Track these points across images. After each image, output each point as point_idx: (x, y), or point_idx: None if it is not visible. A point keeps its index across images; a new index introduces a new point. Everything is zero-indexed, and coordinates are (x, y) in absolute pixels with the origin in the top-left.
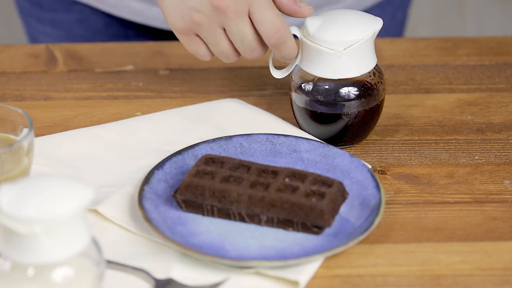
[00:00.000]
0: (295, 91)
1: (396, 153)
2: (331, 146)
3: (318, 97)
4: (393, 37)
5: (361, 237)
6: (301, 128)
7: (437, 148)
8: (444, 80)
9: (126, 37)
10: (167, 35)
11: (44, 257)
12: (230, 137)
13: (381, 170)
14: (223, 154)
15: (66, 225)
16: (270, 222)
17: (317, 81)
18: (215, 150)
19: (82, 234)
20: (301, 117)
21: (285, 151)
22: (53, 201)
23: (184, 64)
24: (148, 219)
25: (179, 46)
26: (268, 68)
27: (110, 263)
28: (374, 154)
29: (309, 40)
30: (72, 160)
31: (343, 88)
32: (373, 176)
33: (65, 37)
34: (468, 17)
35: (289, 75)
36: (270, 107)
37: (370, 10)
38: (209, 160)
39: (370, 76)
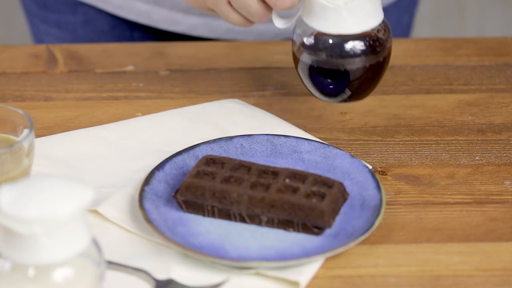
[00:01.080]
0: (298, 46)
1: (397, 153)
2: (331, 147)
3: (320, 52)
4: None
5: (361, 238)
6: (304, 84)
7: (438, 148)
8: (444, 81)
9: (132, 39)
10: (173, 37)
11: (44, 258)
12: (231, 137)
13: (381, 171)
14: (224, 154)
15: (66, 225)
16: (271, 223)
17: (318, 35)
18: (216, 151)
19: (82, 234)
20: (303, 72)
21: (286, 152)
22: (53, 201)
23: (185, 65)
24: (148, 219)
25: (180, 47)
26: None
27: (110, 264)
28: (375, 155)
29: None
30: (73, 160)
31: (346, 43)
32: (373, 177)
33: (70, 39)
34: (468, 17)
35: (292, 29)
36: (271, 108)
37: None
38: (210, 160)
39: (374, 31)
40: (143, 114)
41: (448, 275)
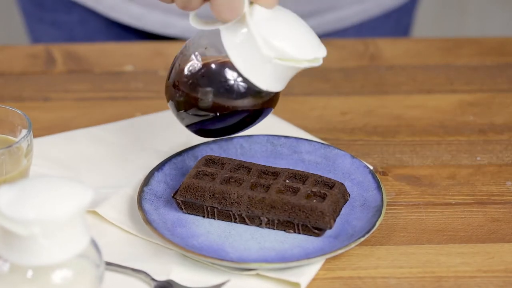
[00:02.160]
0: (191, 56)
1: (398, 154)
2: (332, 147)
3: (217, 81)
4: (394, 37)
5: (362, 239)
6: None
7: (439, 149)
8: (445, 81)
9: (127, 40)
10: (167, 40)
11: (43, 259)
12: (231, 138)
13: (382, 171)
14: (224, 155)
15: (65, 226)
16: (271, 224)
17: (225, 63)
18: (215, 151)
19: (81, 235)
20: (185, 84)
21: (286, 152)
22: (52, 202)
23: None
24: (147, 220)
25: (179, 46)
26: None
27: (110, 265)
28: (376, 155)
29: None
30: (71, 161)
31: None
32: (374, 177)
33: (66, 38)
34: (469, 17)
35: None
36: None
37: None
38: (209, 161)
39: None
40: (142, 114)
41: (449, 276)
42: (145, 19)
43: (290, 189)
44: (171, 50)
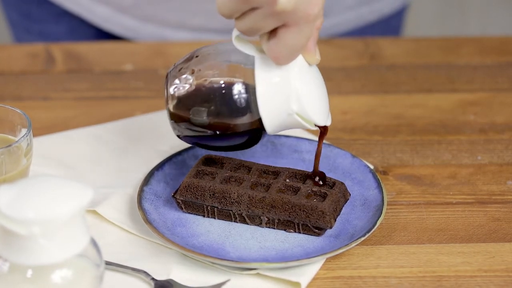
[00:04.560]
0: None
1: (398, 153)
2: (332, 147)
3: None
4: (394, 37)
5: (362, 238)
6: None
7: (440, 148)
8: (446, 80)
9: None
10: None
11: (43, 259)
12: None
13: (383, 171)
14: (224, 154)
15: (65, 226)
16: (271, 223)
17: (248, 85)
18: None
19: (81, 235)
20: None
21: (286, 152)
22: (52, 202)
23: None
24: (147, 220)
25: (179, 46)
26: None
27: (110, 265)
28: (376, 155)
29: None
30: (71, 160)
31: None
32: (375, 177)
33: None
34: (470, 16)
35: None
36: None
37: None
38: (209, 160)
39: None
40: (142, 113)
41: (450, 275)
42: (138, 31)
43: (291, 189)
44: (171, 49)
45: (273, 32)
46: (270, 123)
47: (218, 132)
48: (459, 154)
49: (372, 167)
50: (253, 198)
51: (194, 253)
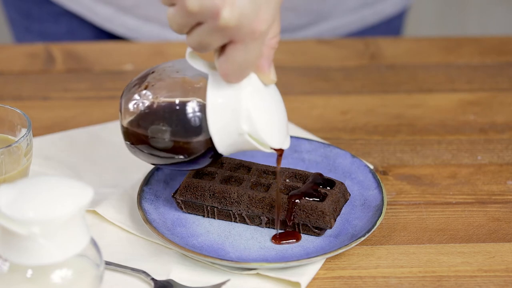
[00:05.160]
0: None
1: (398, 153)
2: (332, 147)
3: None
4: (394, 37)
5: (362, 238)
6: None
7: (440, 148)
8: (446, 80)
9: None
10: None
11: (43, 259)
12: None
13: (383, 171)
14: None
15: (65, 226)
16: (271, 223)
17: (200, 104)
18: None
19: (81, 235)
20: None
21: (286, 152)
22: (52, 202)
23: None
24: (147, 220)
25: (178, 46)
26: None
27: (110, 265)
28: (376, 155)
29: None
30: (71, 160)
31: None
32: (375, 177)
33: None
34: (470, 16)
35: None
36: None
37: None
38: None
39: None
40: None
41: (450, 276)
42: (140, 31)
43: (290, 189)
44: (171, 49)
45: (223, 49)
46: (221, 143)
47: (169, 151)
48: (459, 154)
49: (372, 167)
50: (253, 198)
51: (194, 253)
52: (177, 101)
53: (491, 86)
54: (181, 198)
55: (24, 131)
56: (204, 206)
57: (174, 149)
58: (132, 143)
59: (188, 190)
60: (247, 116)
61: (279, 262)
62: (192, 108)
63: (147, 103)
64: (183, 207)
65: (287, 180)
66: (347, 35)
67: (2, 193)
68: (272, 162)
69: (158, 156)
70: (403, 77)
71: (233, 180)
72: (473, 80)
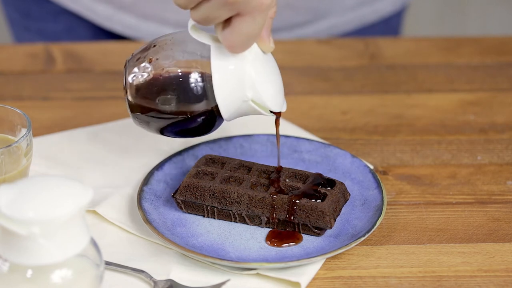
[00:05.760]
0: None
1: (398, 153)
2: (332, 147)
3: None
4: (394, 37)
5: (362, 238)
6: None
7: (440, 148)
8: (446, 80)
9: None
10: None
11: (43, 259)
12: (231, 137)
13: (383, 171)
14: (223, 154)
15: (65, 226)
16: (271, 223)
17: (205, 74)
18: (215, 151)
19: (81, 235)
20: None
21: (286, 152)
22: (52, 202)
23: None
24: (147, 220)
25: None
26: None
27: (110, 265)
28: (376, 155)
29: None
30: (71, 160)
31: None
32: (374, 177)
33: None
34: (470, 16)
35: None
36: None
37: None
38: (209, 160)
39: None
40: None
41: (450, 276)
42: (139, 29)
43: (290, 189)
44: None
45: (227, 22)
46: (226, 110)
47: (176, 119)
48: (459, 154)
49: (372, 167)
50: (253, 198)
51: (194, 253)
52: (181, 72)
53: (491, 86)
54: (181, 198)
55: (24, 131)
56: (204, 206)
57: (181, 119)
58: (139, 116)
59: (188, 190)
60: (251, 83)
61: (279, 262)
62: (196, 78)
63: (152, 75)
64: (183, 207)
65: (287, 180)
66: (345, 33)
67: (2, 193)
68: (272, 162)
69: (166, 125)
70: (403, 77)
71: (233, 180)
72: (473, 80)
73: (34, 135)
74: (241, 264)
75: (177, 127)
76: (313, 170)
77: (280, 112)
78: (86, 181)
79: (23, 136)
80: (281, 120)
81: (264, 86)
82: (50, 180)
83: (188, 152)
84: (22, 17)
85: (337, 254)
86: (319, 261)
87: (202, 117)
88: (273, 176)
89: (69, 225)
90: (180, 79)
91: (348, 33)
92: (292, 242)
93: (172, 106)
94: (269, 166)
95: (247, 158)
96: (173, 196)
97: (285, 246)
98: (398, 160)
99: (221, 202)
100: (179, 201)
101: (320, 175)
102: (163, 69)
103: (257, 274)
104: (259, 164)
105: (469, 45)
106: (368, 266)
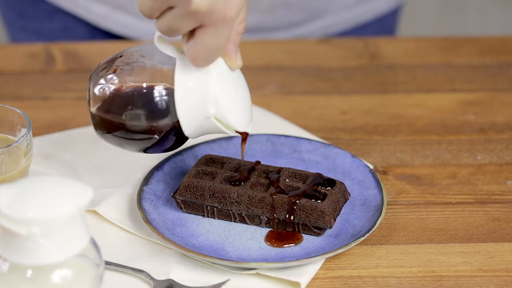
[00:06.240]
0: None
1: (398, 153)
2: (332, 146)
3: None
4: (394, 37)
5: (362, 238)
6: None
7: (439, 148)
8: (446, 80)
9: None
10: None
11: (42, 259)
12: (231, 137)
13: (382, 171)
14: (223, 154)
15: (65, 226)
16: (271, 223)
17: (168, 89)
18: (215, 150)
19: (81, 235)
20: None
21: (286, 152)
22: (52, 201)
23: None
24: (147, 220)
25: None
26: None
27: (110, 265)
28: (376, 155)
29: None
30: (71, 160)
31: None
32: (374, 177)
33: None
34: (470, 16)
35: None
36: (271, 107)
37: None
38: (209, 160)
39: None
40: None
41: (450, 275)
42: (135, 28)
43: (290, 188)
44: None
45: (191, 33)
46: (188, 126)
47: (138, 135)
48: (459, 154)
49: (371, 167)
50: (253, 198)
51: (194, 253)
52: (145, 85)
53: (491, 86)
54: (181, 198)
55: (24, 131)
56: (204, 206)
57: (142, 133)
58: (100, 128)
59: (188, 190)
60: (214, 99)
61: (279, 262)
62: (160, 91)
63: (115, 87)
64: (183, 207)
65: (287, 180)
66: (341, 32)
67: (2, 193)
68: (272, 162)
69: (126, 138)
70: (403, 77)
71: (233, 180)
72: (473, 80)
73: (34, 135)
74: (241, 264)
75: (139, 143)
76: (313, 170)
77: (246, 133)
78: (86, 181)
79: (23, 136)
80: (280, 120)
81: (228, 104)
82: (50, 180)
83: (188, 152)
84: (18, 17)
85: (337, 254)
86: (319, 261)
87: (164, 133)
88: (273, 176)
89: (69, 225)
90: (144, 92)
91: (344, 33)
92: (292, 242)
93: (133, 120)
94: (269, 166)
95: (247, 158)
96: (173, 196)
97: (286, 247)
98: (398, 160)
99: (221, 202)
100: (179, 201)
101: (320, 175)
102: (126, 81)
103: (257, 274)
104: (259, 164)
105: (469, 45)
106: (368, 266)
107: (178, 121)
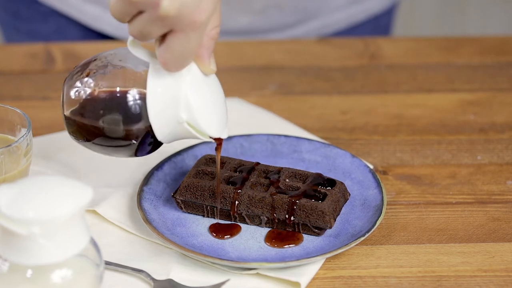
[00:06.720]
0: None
1: (398, 153)
2: (332, 146)
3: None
4: (394, 37)
5: (362, 238)
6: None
7: (439, 148)
8: (446, 80)
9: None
10: None
11: (42, 259)
12: (231, 137)
13: (382, 171)
14: (223, 154)
15: (65, 226)
16: (271, 223)
17: (141, 93)
18: None
19: (81, 235)
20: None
21: (286, 152)
22: (52, 201)
23: None
24: (147, 220)
25: None
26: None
27: (110, 264)
28: (376, 155)
29: None
30: (71, 160)
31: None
32: (374, 177)
33: None
34: (470, 16)
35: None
36: (271, 107)
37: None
38: (209, 160)
39: None
40: None
41: (449, 275)
42: (127, 29)
43: (290, 188)
44: None
45: (163, 38)
46: (160, 131)
47: (112, 140)
48: (459, 154)
49: (371, 167)
50: (253, 198)
51: (193, 253)
52: (118, 89)
53: (491, 86)
54: (181, 198)
55: (24, 131)
56: (204, 206)
57: (114, 137)
58: (73, 131)
59: (188, 190)
60: (186, 104)
61: (279, 262)
62: (132, 96)
63: (88, 91)
64: (183, 207)
65: (287, 180)
66: (336, 33)
67: (2, 193)
68: (272, 162)
69: (98, 144)
70: (403, 77)
71: (233, 180)
72: (473, 80)
73: (34, 135)
74: (241, 264)
75: (110, 146)
76: (313, 170)
77: (220, 139)
78: (86, 181)
79: (23, 136)
80: (280, 120)
81: (201, 109)
82: (50, 180)
83: (188, 152)
84: (11, 18)
85: (337, 254)
86: (319, 261)
87: (137, 137)
88: (272, 176)
89: (69, 225)
90: (117, 96)
91: (339, 33)
92: (292, 242)
93: (106, 124)
94: (269, 166)
95: (247, 158)
96: (173, 196)
97: (286, 247)
98: (398, 160)
99: (221, 202)
100: (179, 201)
101: (320, 175)
102: (99, 85)
103: (257, 274)
104: (259, 164)
105: (469, 45)
106: (368, 266)
107: (150, 126)
